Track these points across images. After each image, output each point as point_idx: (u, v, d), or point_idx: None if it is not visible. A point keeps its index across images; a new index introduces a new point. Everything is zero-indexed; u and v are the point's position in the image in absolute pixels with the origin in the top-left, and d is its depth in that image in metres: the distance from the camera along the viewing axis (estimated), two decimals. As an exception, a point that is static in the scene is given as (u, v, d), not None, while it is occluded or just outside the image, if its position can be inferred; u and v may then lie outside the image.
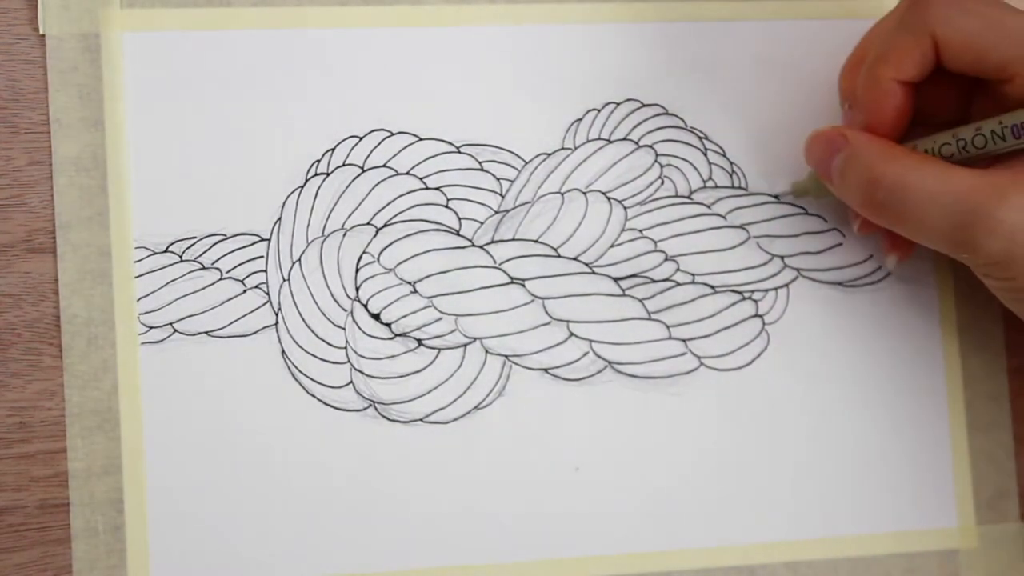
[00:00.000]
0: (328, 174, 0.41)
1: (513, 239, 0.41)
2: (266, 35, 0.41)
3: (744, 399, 0.42)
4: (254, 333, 0.40)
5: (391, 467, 0.40)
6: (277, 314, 0.40)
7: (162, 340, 0.39)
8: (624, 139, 0.42)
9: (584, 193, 0.42)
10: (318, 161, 0.41)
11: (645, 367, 0.41)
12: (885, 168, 0.37)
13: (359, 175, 0.41)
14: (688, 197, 0.42)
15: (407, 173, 0.41)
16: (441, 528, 0.40)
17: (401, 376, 0.40)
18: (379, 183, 0.41)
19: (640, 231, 0.42)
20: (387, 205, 0.41)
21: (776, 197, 0.42)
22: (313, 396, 0.40)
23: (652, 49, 0.42)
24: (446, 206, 0.41)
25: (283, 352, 0.40)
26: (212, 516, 0.39)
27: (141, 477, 0.39)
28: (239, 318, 0.40)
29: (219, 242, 0.40)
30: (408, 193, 0.41)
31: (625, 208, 0.42)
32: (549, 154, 0.42)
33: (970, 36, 0.36)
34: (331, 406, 0.40)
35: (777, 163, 0.42)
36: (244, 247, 0.40)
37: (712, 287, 0.42)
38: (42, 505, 0.39)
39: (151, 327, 0.39)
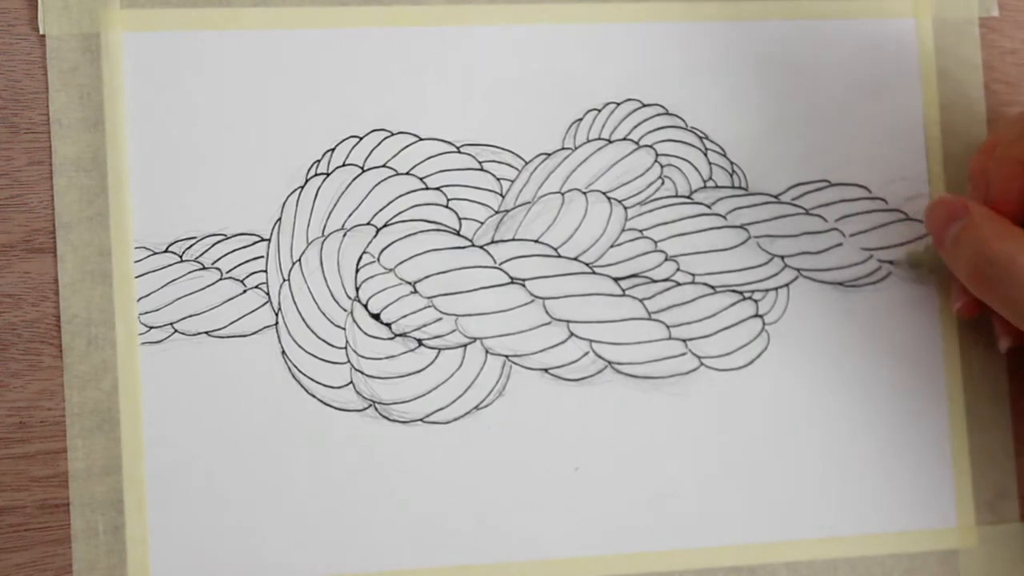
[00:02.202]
0: (328, 174, 0.41)
1: (513, 239, 0.41)
2: (266, 35, 0.41)
3: (744, 399, 0.42)
4: (254, 333, 0.40)
5: (391, 467, 0.40)
6: (277, 314, 0.40)
7: (162, 340, 0.39)
8: (624, 139, 0.42)
9: (584, 193, 0.42)
10: (318, 161, 0.41)
11: (645, 367, 0.41)
12: (1000, 244, 0.37)
13: (359, 175, 0.41)
14: (688, 197, 0.42)
15: (407, 173, 0.41)
16: (441, 528, 0.40)
17: (401, 376, 0.40)
18: (379, 183, 0.41)
19: (640, 231, 0.42)
20: (387, 205, 0.41)
21: (892, 264, 0.42)
22: (313, 396, 0.40)
23: (652, 49, 0.42)
24: (446, 206, 0.41)
25: (283, 352, 0.40)
26: (212, 516, 0.39)
27: (141, 477, 0.39)
28: (239, 318, 0.40)
29: (219, 242, 0.40)
30: (408, 193, 0.41)
31: (625, 208, 0.42)
32: (549, 154, 0.42)
33: None
34: (331, 406, 0.40)
35: (777, 163, 0.43)
36: (244, 247, 0.40)
37: (712, 287, 0.42)
38: (42, 505, 0.39)
39: (151, 327, 0.39)
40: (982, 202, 0.39)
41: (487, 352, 0.41)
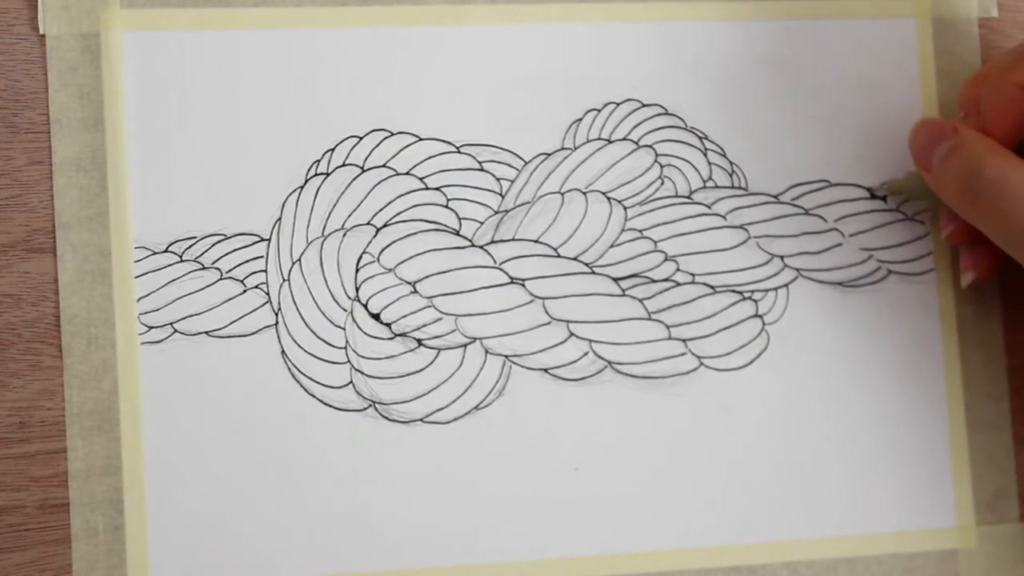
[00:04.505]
0: (328, 174, 0.41)
1: (513, 239, 0.41)
2: (266, 35, 0.41)
3: (744, 399, 0.42)
4: (254, 333, 0.40)
5: (391, 467, 0.40)
6: (277, 314, 0.40)
7: (162, 340, 0.39)
8: (624, 139, 0.42)
9: (584, 193, 0.42)
10: (318, 161, 0.41)
11: (645, 367, 0.41)
12: (991, 159, 0.37)
13: (359, 175, 0.41)
14: (688, 197, 0.42)
15: (407, 173, 0.41)
16: (441, 528, 0.40)
17: (401, 376, 0.40)
18: (379, 183, 0.41)
19: (640, 231, 0.42)
20: (387, 205, 0.41)
21: (870, 192, 0.43)
22: (313, 396, 0.40)
23: (652, 49, 0.42)
24: (446, 206, 0.41)
25: (283, 352, 0.40)
26: (212, 516, 0.39)
27: (141, 477, 0.39)
28: (239, 318, 0.40)
29: (219, 242, 0.40)
30: (408, 193, 0.41)
31: (625, 208, 0.42)
32: (549, 154, 0.42)
33: None
34: (331, 406, 0.40)
35: (777, 163, 0.43)
36: (244, 247, 0.40)
37: (712, 287, 0.42)
38: (42, 505, 0.39)
39: (151, 327, 0.39)
40: (975, 127, 0.39)
41: (487, 352, 0.41)
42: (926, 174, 0.40)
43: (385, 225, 0.41)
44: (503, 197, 0.41)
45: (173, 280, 0.40)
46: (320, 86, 0.41)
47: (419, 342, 0.41)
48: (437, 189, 0.41)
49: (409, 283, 0.41)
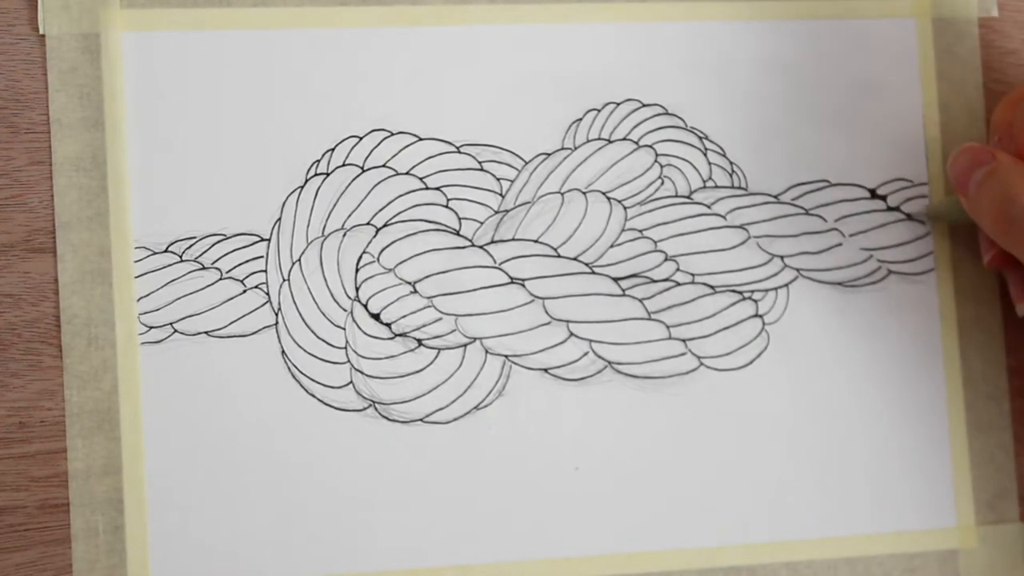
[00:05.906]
0: (328, 174, 0.41)
1: (513, 239, 0.41)
2: (266, 35, 0.41)
3: (744, 399, 0.42)
4: (254, 333, 0.40)
5: (391, 467, 0.40)
6: (277, 314, 0.40)
7: (162, 340, 0.39)
8: (624, 139, 0.42)
9: (584, 193, 0.42)
10: (318, 161, 0.41)
11: (645, 367, 0.41)
12: None
13: (359, 175, 0.41)
14: (688, 197, 0.42)
15: (407, 173, 0.41)
16: (441, 528, 0.40)
17: (401, 376, 0.40)
18: (379, 183, 0.41)
19: (640, 231, 0.42)
20: (387, 205, 0.41)
21: (903, 212, 0.43)
22: (313, 396, 0.40)
23: (652, 49, 0.42)
24: (446, 206, 0.41)
25: (283, 352, 0.40)
26: (212, 516, 0.39)
27: (141, 477, 0.39)
28: (239, 318, 0.40)
29: (219, 242, 0.40)
30: (408, 193, 0.41)
31: (625, 208, 0.42)
32: (549, 154, 0.42)
33: None
34: (331, 406, 0.40)
35: (777, 163, 0.43)
36: (244, 247, 0.40)
37: (712, 287, 0.42)
38: (42, 505, 0.39)
39: (151, 327, 0.39)
40: (1008, 151, 0.39)
41: (487, 352, 0.41)
42: (964, 199, 0.40)
43: (385, 225, 0.41)
44: (503, 197, 0.41)
45: (173, 280, 0.40)
46: (320, 86, 0.41)
47: (419, 342, 0.41)
48: (437, 189, 0.41)
49: (409, 283, 0.41)
